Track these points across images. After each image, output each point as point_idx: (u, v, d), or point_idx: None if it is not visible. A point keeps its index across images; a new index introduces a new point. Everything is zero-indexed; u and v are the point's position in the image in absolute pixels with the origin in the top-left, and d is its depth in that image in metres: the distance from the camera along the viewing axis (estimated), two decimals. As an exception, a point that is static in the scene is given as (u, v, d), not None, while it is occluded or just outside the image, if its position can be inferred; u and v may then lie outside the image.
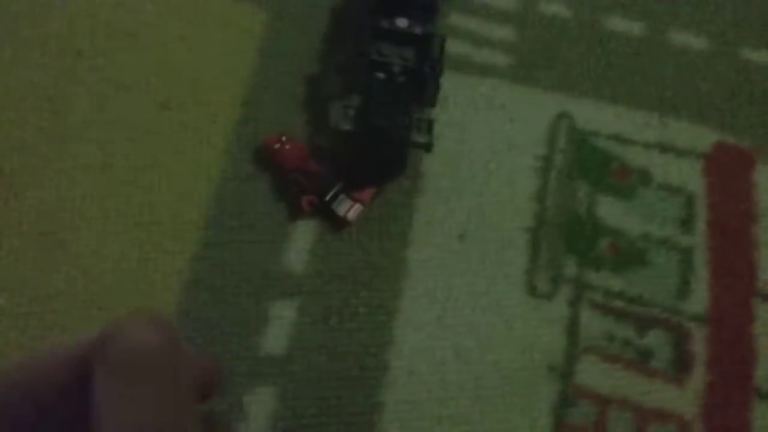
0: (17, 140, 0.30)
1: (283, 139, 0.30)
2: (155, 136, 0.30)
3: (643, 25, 0.35)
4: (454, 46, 0.32)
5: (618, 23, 0.35)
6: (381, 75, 0.28)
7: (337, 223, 0.29)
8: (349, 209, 0.29)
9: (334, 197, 0.29)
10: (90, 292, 0.28)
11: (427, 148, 0.29)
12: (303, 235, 0.29)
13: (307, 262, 0.29)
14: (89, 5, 0.33)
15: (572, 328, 0.28)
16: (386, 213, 0.30)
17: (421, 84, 0.28)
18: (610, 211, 0.31)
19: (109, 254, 0.28)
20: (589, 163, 0.31)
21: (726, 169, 0.32)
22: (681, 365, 0.28)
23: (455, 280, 0.29)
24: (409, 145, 0.28)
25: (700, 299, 0.29)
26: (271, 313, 0.28)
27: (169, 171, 0.30)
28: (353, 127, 0.28)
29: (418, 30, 0.28)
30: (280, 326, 0.28)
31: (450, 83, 0.32)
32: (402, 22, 0.28)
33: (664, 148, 0.32)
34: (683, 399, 0.28)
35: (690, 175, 0.31)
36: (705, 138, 0.32)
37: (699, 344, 0.29)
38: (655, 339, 0.29)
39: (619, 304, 0.29)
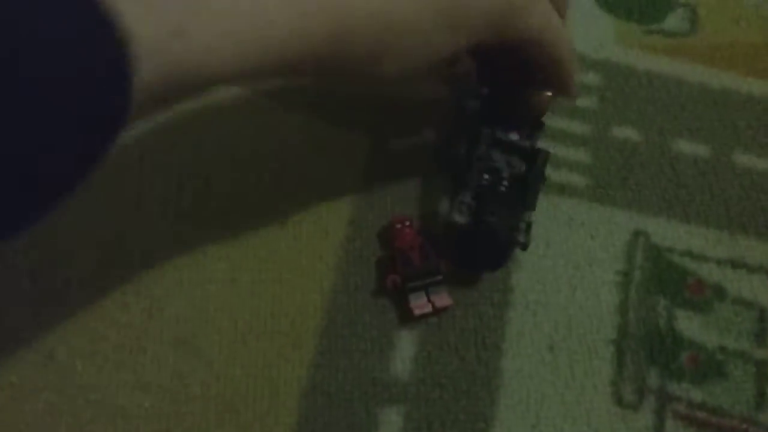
0: (158, 255, 0.34)
1: (407, 223, 0.34)
2: (275, 253, 0.34)
3: (708, 147, 0.38)
4: (536, 169, 0.35)
5: (685, 146, 0.38)
6: (490, 178, 0.33)
7: (404, 314, 0.33)
8: (419, 306, 0.33)
9: (415, 290, 0.33)
10: (223, 396, 0.31)
11: (524, 247, 0.33)
12: (407, 344, 0.33)
13: (411, 370, 0.32)
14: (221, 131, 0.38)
15: (658, 438, 0.31)
16: (481, 324, 0.33)
17: (524, 190, 0.33)
18: (688, 324, 0.33)
19: (238, 361, 0.32)
20: (666, 279, 0.34)
21: (795, 285, 0.34)
22: (760, 473, 0.30)
23: (547, 390, 0.32)
24: (513, 244, 0.32)
25: (777, 411, 0.31)
26: (380, 418, 0.31)
27: (287, 284, 0.34)
28: (467, 221, 0.32)
29: (527, 144, 0.34)
30: (388, 431, 0.31)
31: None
32: (514, 136, 0.34)
33: (735, 264, 0.35)
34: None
35: (761, 290, 0.34)
36: (773, 254, 0.35)
37: (776, 453, 0.31)
38: (736, 449, 0.31)
39: (701, 414, 0.31)
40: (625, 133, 0.39)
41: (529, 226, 0.32)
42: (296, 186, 0.36)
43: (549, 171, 0.37)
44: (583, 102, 0.39)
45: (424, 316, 0.33)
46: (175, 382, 0.31)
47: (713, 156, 0.38)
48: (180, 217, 0.35)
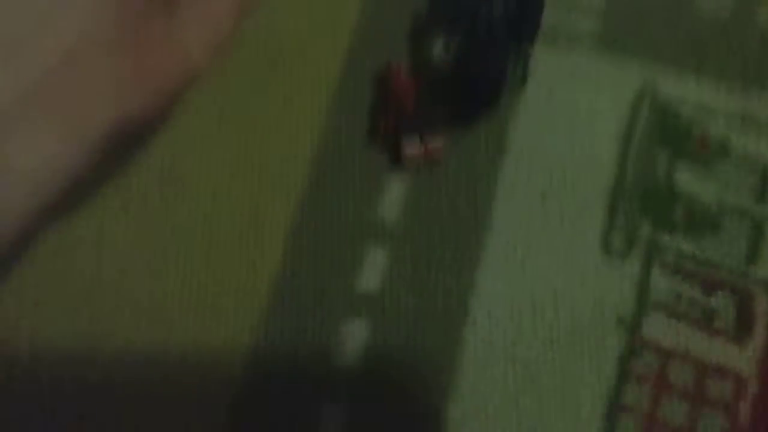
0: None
1: (402, 69, 0.33)
2: (266, 90, 0.33)
3: (732, 2, 0.35)
4: (544, 17, 0.33)
5: (707, 1, 0.35)
6: (484, 12, 0.31)
7: (397, 158, 0.32)
8: (411, 146, 0.32)
9: (409, 132, 0.32)
10: (209, 232, 0.31)
11: (523, 81, 0.32)
12: (397, 187, 0.32)
13: (399, 212, 0.32)
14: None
15: (642, 286, 0.31)
16: (474, 170, 0.32)
17: (521, 19, 0.31)
18: (687, 177, 0.32)
19: (225, 196, 0.32)
20: (671, 131, 0.33)
21: (805, 143, 0.33)
22: (743, 326, 0.30)
23: (535, 236, 0.31)
24: (507, 78, 0.31)
25: (767, 265, 0.31)
26: (366, 258, 0.31)
27: (279, 121, 0.33)
28: (453, 59, 0.31)
29: None
30: (373, 268, 0.31)
31: (539, 53, 0.34)
32: None
33: (745, 119, 0.33)
34: (742, 358, 0.30)
35: (767, 148, 0.33)
36: (786, 111, 0.33)
37: (762, 307, 0.31)
38: (720, 300, 0.31)
39: (689, 265, 0.31)
40: (645, -23, 0.36)
41: (526, 59, 0.31)
42: (289, 22, 0.34)
43: (557, 16, 0.35)
44: (603, -59, 0.36)
45: (415, 158, 0.32)
46: (161, 214, 0.31)
47: (736, 11, 0.35)
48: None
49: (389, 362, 0.30)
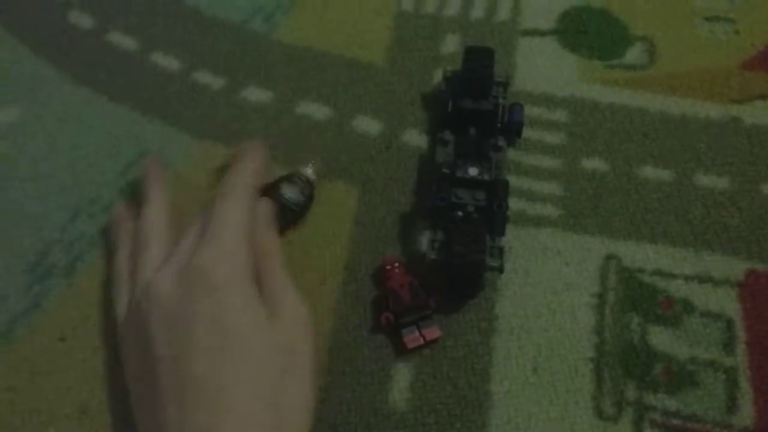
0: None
1: (396, 264, 0.38)
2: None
3: (671, 171, 0.41)
4: (511, 203, 0.38)
5: (650, 171, 0.41)
6: (459, 213, 0.37)
7: (399, 348, 0.36)
8: (412, 340, 0.36)
9: (407, 325, 0.36)
10: None
11: (500, 270, 0.36)
12: (403, 375, 0.36)
13: (408, 399, 0.35)
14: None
15: (638, 446, 0.33)
16: (470, 351, 0.36)
17: (492, 219, 0.36)
18: (660, 338, 0.36)
19: (251, 402, 0.35)
20: (638, 297, 0.37)
21: (759, 294, 0.37)
22: (739, 473, 0.33)
23: (533, 409, 0.35)
24: (485, 268, 0.35)
25: (746, 414, 0.34)
26: (383, 445, 0.34)
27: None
28: (439, 257, 0.36)
29: (487, 177, 0.37)
30: (390, 455, 0.34)
31: (511, 235, 0.39)
32: (473, 171, 0.37)
33: (702, 279, 0.38)
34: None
35: (727, 302, 0.37)
36: (737, 268, 0.38)
37: (753, 453, 0.33)
38: (712, 451, 0.33)
39: (676, 422, 0.34)
40: (594, 164, 0.42)
41: (500, 250, 0.36)
42: (296, 238, 0.40)
43: (524, 205, 0.41)
44: (553, 138, 0.43)
45: (417, 348, 0.36)
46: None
47: (676, 179, 0.41)
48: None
49: None
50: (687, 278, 0.38)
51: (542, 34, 0.48)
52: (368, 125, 0.44)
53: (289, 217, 0.40)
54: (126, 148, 0.44)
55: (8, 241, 0.40)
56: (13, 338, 0.37)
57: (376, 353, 0.36)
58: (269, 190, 0.39)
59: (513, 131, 0.41)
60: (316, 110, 0.45)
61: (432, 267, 0.37)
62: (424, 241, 0.40)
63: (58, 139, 0.45)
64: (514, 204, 0.40)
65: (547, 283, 0.38)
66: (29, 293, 0.39)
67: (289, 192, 0.39)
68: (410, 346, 0.36)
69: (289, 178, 0.40)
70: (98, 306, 0.38)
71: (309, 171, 0.41)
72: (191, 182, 0.42)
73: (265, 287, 0.33)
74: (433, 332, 0.36)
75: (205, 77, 0.47)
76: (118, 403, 0.35)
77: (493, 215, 0.36)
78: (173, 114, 0.45)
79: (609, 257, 0.39)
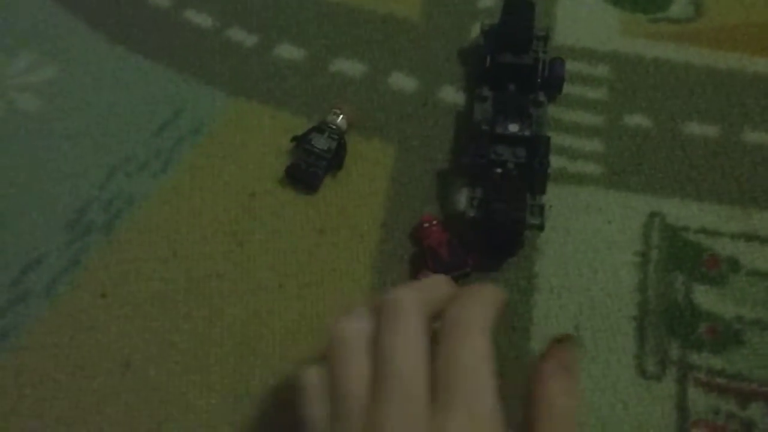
0: (212, 270, 0.38)
1: (434, 222, 0.37)
2: (317, 259, 0.38)
3: (718, 128, 0.40)
4: (552, 160, 0.37)
5: (695, 128, 0.40)
6: (498, 170, 0.36)
7: None
8: None
9: None
10: (279, 390, 0.35)
11: (540, 227, 0.35)
12: (442, 333, 0.36)
13: (448, 356, 0.35)
14: (259, 153, 0.41)
15: (681, 405, 0.33)
16: (509, 310, 0.36)
17: (532, 176, 0.36)
18: (705, 297, 0.35)
19: (290, 357, 0.35)
20: (682, 256, 0.36)
21: (808, 253, 0.36)
22: (783, 433, 0.32)
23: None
24: (525, 226, 0.35)
25: (795, 373, 0.33)
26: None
27: (329, 286, 0.37)
28: (478, 214, 0.36)
29: (527, 133, 0.36)
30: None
31: (552, 194, 0.38)
32: (513, 127, 0.37)
33: (749, 237, 0.37)
34: (787, 463, 0.32)
35: (775, 261, 0.36)
36: (786, 226, 0.37)
37: (799, 413, 0.33)
38: (756, 410, 0.33)
39: (721, 381, 0.33)
40: (636, 120, 0.41)
41: (541, 208, 0.35)
42: (330, 193, 0.40)
43: (565, 162, 0.40)
44: (595, 94, 0.42)
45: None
46: (237, 380, 0.35)
47: (723, 135, 0.40)
48: (228, 235, 0.39)
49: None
50: (733, 236, 0.37)
51: (583, -14, 0.46)
52: (404, 82, 0.43)
53: (324, 166, 0.40)
54: (161, 106, 0.44)
55: (46, 199, 0.41)
56: (55, 295, 0.38)
57: (415, 311, 0.36)
58: (300, 142, 0.40)
59: (553, 87, 0.40)
60: (351, 67, 0.44)
61: (471, 225, 0.36)
62: (462, 199, 0.39)
63: (93, 97, 0.44)
64: (555, 161, 0.39)
65: (589, 242, 0.37)
66: (69, 250, 0.39)
67: (319, 140, 0.40)
68: None
69: (318, 128, 0.40)
70: (138, 263, 0.38)
71: (338, 119, 0.41)
72: (226, 140, 0.42)
73: None
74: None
75: (238, 34, 0.46)
76: (160, 358, 0.36)
77: (533, 172, 0.35)
78: (207, 72, 0.45)
79: (653, 215, 0.38)
